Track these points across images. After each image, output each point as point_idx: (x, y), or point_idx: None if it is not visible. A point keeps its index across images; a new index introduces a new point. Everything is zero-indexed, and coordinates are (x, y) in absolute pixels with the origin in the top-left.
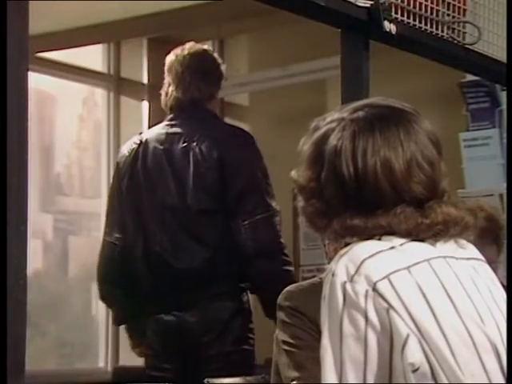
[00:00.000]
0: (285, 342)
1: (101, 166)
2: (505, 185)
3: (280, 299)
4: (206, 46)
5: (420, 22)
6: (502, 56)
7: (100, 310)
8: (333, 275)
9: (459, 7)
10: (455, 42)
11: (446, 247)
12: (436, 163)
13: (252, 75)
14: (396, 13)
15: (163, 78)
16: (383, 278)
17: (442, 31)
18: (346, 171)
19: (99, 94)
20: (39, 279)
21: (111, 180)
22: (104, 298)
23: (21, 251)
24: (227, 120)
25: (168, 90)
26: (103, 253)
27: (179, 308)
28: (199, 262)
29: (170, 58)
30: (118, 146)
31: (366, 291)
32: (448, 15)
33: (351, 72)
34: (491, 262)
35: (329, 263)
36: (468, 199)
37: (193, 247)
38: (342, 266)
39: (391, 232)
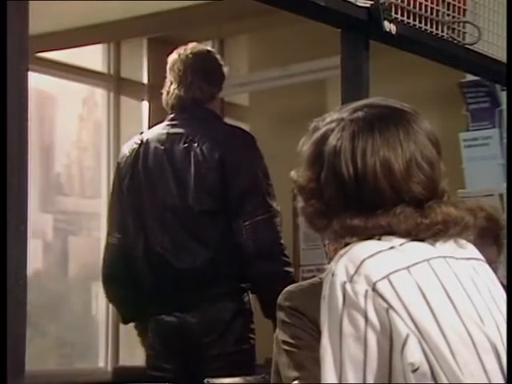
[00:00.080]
0: (285, 342)
1: (101, 166)
2: (505, 185)
3: (280, 299)
4: (208, 47)
5: (420, 22)
6: (502, 56)
7: (100, 310)
8: (332, 275)
9: (459, 7)
10: (455, 42)
11: (446, 247)
12: (435, 163)
13: (252, 75)
14: (396, 13)
15: (163, 78)
16: (383, 278)
17: (442, 31)
18: (346, 171)
19: (99, 94)
20: (39, 279)
21: (112, 180)
22: (109, 298)
23: (21, 251)
24: (227, 120)
25: (170, 88)
26: (106, 253)
27: (180, 309)
28: (200, 263)
29: (172, 57)
30: (118, 146)
31: (366, 291)
32: (448, 15)
33: (351, 72)
34: (491, 262)
35: (329, 263)
36: (468, 199)
37: (194, 247)
38: (341, 266)
39: (391, 232)
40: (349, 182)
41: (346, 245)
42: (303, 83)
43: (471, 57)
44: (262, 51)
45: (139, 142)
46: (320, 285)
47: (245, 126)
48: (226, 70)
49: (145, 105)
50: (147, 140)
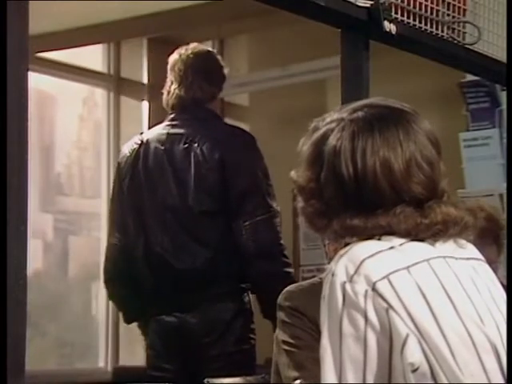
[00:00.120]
0: (285, 342)
1: (101, 166)
2: (505, 185)
3: (280, 299)
4: (209, 48)
5: (420, 22)
6: (502, 56)
7: (100, 310)
8: (332, 275)
9: (459, 7)
10: (455, 42)
11: (446, 247)
12: (435, 163)
13: (252, 75)
14: (396, 13)
15: (163, 78)
16: (383, 278)
17: (442, 31)
18: (346, 171)
19: (99, 94)
20: (39, 279)
21: (112, 180)
22: (111, 298)
23: (21, 251)
24: (227, 120)
25: (170, 88)
26: (107, 253)
27: (180, 309)
28: (200, 263)
29: (173, 57)
30: (118, 146)
31: (366, 291)
32: (448, 15)
33: (351, 72)
34: (491, 263)
35: (329, 263)
36: (468, 199)
37: (194, 248)
38: (341, 266)
39: (391, 232)
40: (349, 181)
41: (346, 245)
42: (303, 83)
43: (471, 57)
44: (262, 51)
45: (139, 142)
46: (320, 285)
47: (245, 126)
48: (226, 71)
49: (145, 105)
50: (147, 140)
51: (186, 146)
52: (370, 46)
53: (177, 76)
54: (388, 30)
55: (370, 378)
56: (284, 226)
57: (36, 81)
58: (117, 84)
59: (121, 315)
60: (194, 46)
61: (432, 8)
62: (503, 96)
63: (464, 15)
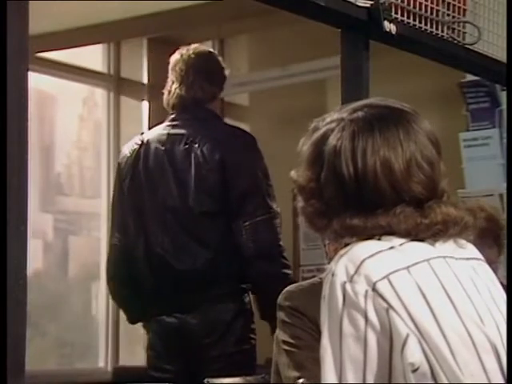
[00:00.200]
0: (285, 342)
1: (101, 166)
2: (505, 185)
3: (280, 299)
4: (210, 49)
5: (420, 22)
6: (502, 56)
7: (100, 310)
8: (332, 275)
9: (459, 7)
10: (455, 42)
11: (446, 247)
12: (435, 163)
13: (252, 75)
14: (396, 13)
15: (163, 78)
16: (383, 278)
17: (442, 31)
18: (346, 171)
19: (99, 94)
20: (39, 279)
21: (113, 180)
22: (114, 298)
23: (21, 251)
24: (227, 120)
25: (171, 88)
26: (109, 254)
27: (181, 310)
28: (201, 264)
29: (174, 57)
30: (118, 146)
31: (366, 291)
32: (448, 15)
33: (351, 72)
34: (491, 263)
35: (329, 263)
36: (468, 199)
37: (194, 249)
38: (341, 266)
39: (391, 232)
40: (349, 181)
41: (346, 245)
42: (303, 83)
43: (471, 57)
44: (262, 51)
45: (140, 142)
46: (320, 285)
47: (245, 126)
48: (227, 72)
49: (145, 105)
50: (148, 141)
51: (187, 146)
52: (370, 46)
53: (178, 76)
54: (388, 29)
55: (370, 378)
56: (284, 226)
57: (36, 81)
58: (117, 84)
59: (124, 316)
60: (195, 47)
61: (432, 8)
62: (503, 96)
63: (464, 15)
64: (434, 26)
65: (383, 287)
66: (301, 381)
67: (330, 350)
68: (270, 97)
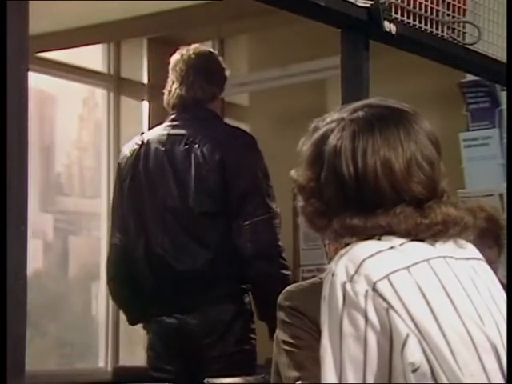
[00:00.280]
0: (285, 342)
1: (101, 166)
2: (505, 185)
3: (280, 299)
4: (211, 49)
5: (420, 22)
6: (502, 56)
7: (100, 310)
8: (333, 275)
9: (459, 7)
10: (455, 42)
11: (446, 247)
12: (435, 163)
13: (252, 75)
14: (396, 13)
15: (163, 78)
16: (383, 278)
17: (442, 31)
18: (346, 171)
19: (99, 94)
20: (39, 279)
21: (113, 180)
22: (114, 299)
23: (21, 251)
24: (227, 120)
25: (171, 88)
26: (109, 254)
27: (181, 310)
28: (201, 264)
29: (175, 58)
30: (118, 146)
31: (366, 291)
32: (448, 15)
33: (351, 72)
34: (492, 263)
35: (329, 263)
36: (468, 199)
37: (194, 249)
38: (341, 266)
39: (391, 232)
40: (349, 181)
41: (347, 245)
42: (303, 83)
43: (471, 57)
44: (262, 51)
45: (140, 142)
46: (320, 285)
47: (245, 126)
48: (227, 73)
49: (145, 105)
50: (148, 141)
51: (187, 146)
52: (370, 46)
53: (178, 76)
54: (388, 29)
55: (370, 378)
56: (284, 226)
57: (36, 81)
58: (117, 84)
59: (124, 316)
60: (195, 47)
61: (432, 8)
62: (503, 96)
63: (464, 15)
64: (434, 26)
65: (383, 287)
66: (299, 382)
67: (330, 349)
68: (270, 97)
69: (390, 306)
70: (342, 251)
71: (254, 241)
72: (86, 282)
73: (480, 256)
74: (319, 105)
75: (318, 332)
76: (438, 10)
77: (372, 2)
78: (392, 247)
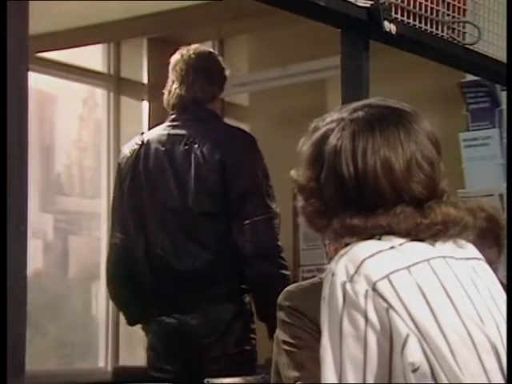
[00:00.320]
0: (285, 342)
1: (101, 166)
2: (505, 185)
3: (280, 299)
4: (211, 49)
5: (420, 22)
6: (502, 56)
7: (100, 310)
8: (333, 275)
9: (459, 7)
10: (455, 42)
11: (446, 247)
12: (436, 163)
13: (252, 75)
14: (396, 13)
15: (163, 78)
16: (383, 278)
17: (442, 31)
18: (346, 171)
19: (99, 94)
20: (39, 279)
21: (113, 180)
22: (113, 299)
23: (21, 251)
24: (227, 120)
25: (171, 88)
26: (109, 254)
27: (181, 310)
28: (201, 264)
29: (175, 57)
30: (118, 146)
31: (366, 291)
32: (448, 15)
33: (351, 72)
34: (492, 263)
35: (329, 263)
36: (468, 199)
37: (194, 249)
38: (341, 266)
39: (391, 232)
40: (349, 181)
41: (347, 245)
42: (303, 83)
43: (471, 57)
44: (262, 51)
45: (140, 142)
46: (320, 285)
47: (245, 126)
48: (227, 73)
49: (145, 105)
50: (148, 141)
51: (187, 147)
52: (370, 46)
53: (178, 76)
54: (388, 29)
55: (370, 378)
56: (284, 226)
57: (36, 81)
58: (117, 84)
59: (123, 317)
60: (195, 47)
61: (432, 8)
62: (503, 96)
63: (464, 15)
64: (434, 26)
65: (383, 287)
66: (299, 383)
67: (330, 349)
68: (270, 97)
69: (390, 305)
70: (342, 251)
71: (254, 241)
72: (86, 282)
73: (480, 256)
74: (319, 105)
75: (318, 332)
76: (438, 10)
77: (372, 2)
78: (392, 247)
